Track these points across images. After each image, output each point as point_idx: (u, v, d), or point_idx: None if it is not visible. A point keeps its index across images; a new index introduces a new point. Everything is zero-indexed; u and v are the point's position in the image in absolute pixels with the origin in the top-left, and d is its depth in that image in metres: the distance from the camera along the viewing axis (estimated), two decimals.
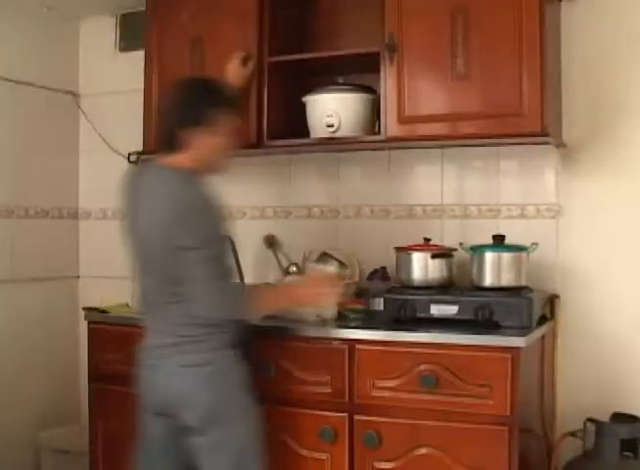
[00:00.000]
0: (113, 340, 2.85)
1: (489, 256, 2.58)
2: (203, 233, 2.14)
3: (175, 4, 3.07)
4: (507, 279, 2.56)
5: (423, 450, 2.34)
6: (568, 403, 2.74)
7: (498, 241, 2.63)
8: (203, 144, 2.27)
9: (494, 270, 2.57)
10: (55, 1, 3.47)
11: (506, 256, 2.57)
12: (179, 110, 2.28)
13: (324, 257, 2.89)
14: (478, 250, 2.62)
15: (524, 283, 2.60)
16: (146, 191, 2.27)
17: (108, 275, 3.64)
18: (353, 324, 2.57)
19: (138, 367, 2.35)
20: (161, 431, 2.32)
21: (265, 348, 2.53)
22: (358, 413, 2.43)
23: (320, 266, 2.76)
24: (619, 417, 2.54)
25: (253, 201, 3.31)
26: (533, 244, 2.61)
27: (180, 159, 2.25)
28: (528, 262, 2.61)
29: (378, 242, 3.04)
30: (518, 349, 2.26)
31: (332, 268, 2.77)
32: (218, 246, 2.20)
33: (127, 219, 2.33)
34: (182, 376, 2.21)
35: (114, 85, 3.61)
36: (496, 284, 2.56)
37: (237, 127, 2.38)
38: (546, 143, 2.71)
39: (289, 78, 3.03)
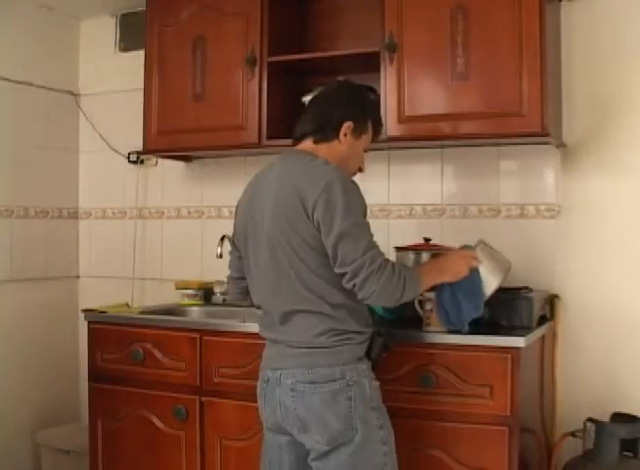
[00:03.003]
0: (113, 340, 2.85)
1: None
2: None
3: (175, 4, 3.08)
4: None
5: (423, 450, 2.35)
6: (568, 403, 2.74)
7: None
8: (349, 143, 2.15)
9: None
10: (55, 1, 3.48)
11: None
12: (340, 104, 2.16)
13: None
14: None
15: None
16: None
17: (108, 275, 3.65)
18: None
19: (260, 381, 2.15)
20: (285, 449, 2.12)
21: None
22: None
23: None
24: (619, 417, 2.54)
25: None
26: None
27: (321, 150, 2.13)
28: (523, 263, 2.61)
29: (378, 242, 3.03)
30: (518, 349, 2.26)
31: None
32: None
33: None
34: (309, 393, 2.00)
35: (114, 85, 3.61)
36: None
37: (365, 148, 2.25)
38: (546, 143, 2.71)
39: (289, 78, 3.03)
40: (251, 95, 2.92)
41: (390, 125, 2.68)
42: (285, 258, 2.02)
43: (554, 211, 2.83)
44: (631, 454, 2.46)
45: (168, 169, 3.52)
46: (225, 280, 2.38)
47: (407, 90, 2.66)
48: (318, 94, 2.27)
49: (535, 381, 2.72)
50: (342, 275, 1.97)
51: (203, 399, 2.66)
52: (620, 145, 2.74)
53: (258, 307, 2.18)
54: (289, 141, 2.89)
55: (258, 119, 2.91)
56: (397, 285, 1.98)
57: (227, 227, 3.25)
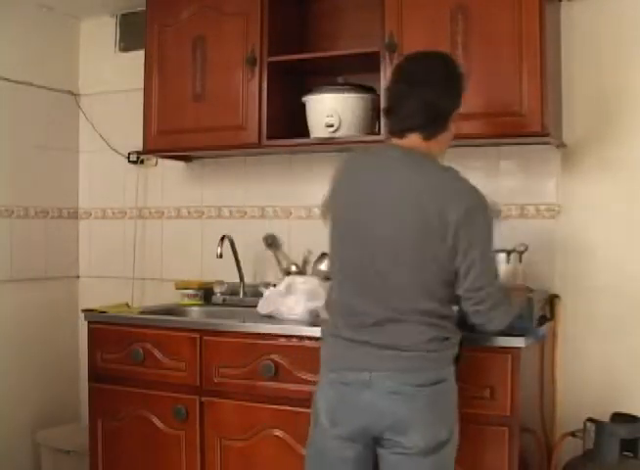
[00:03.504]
0: (113, 340, 2.85)
1: None
2: None
3: (175, 4, 3.08)
4: (502, 278, 2.56)
5: None
6: (568, 403, 2.74)
7: None
8: (451, 132, 2.09)
9: None
10: (55, 1, 3.48)
11: (500, 255, 2.56)
12: (449, 88, 2.04)
13: (324, 256, 2.88)
14: None
15: (520, 282, 2.60)
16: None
17: (108, 275, 3.65)
18: None
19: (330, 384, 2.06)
20: (349, 464, 2.03)
21: (266, 347, 2.52)
22: None
23: None
24: (619, 417, 2.54)
25: (253, 201, 3.31)
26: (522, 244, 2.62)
27: (432, 147, 2.04)
28: (523, 262, 2.61)
29: None
30: (518, 349, 2.26)
31: None
32: None
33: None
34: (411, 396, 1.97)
35: (114, 85, 3.61)
36: None
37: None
38: (546, 143, 2.71)
39: (289, 78, 3.03)
40: (251, 95, 2.92)
41: None
42: (407, 266, 1.95)
43: (554, 211, 2.83)
44: (631, 454, 2.46)
45: (168, 169, 3.52)
46: (224, 281, 2.37)
47: None
48: (415, 74, 2.02)
49: (535, 381, 2.72)
50: (466, 298, 1.99)
51: (203, 399, 2.66)
52: (621, 145, 2.74)
53: (341, 305, 2.06)
54: (288, 141, 2.92)
55: (258, 119, 2.91)
56: (509, 316, 2.08)
57: (227, 227, 3.27)
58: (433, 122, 2.01)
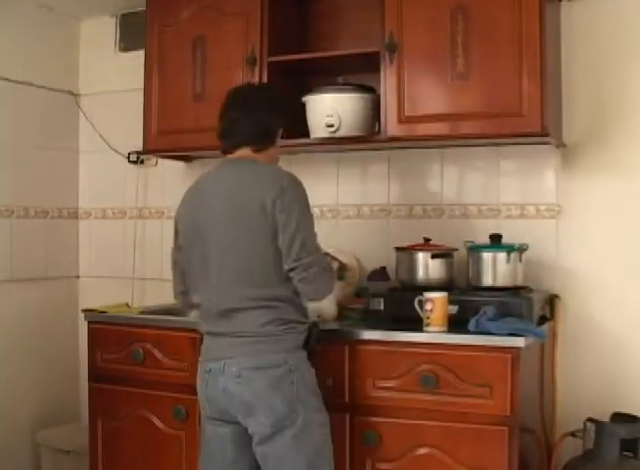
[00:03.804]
0: (113, 340, 2.85)
1: (485, 255, 2.59)
2: None
3: (175, 4, 3.08)
4: (502, 278, 2.57)
5: (423, 450, 2.35)
6: (568, 403, 2.74)
7: (495, 240, 2.63)
8: (277, 147, 2.39)
9: (490, 269, 2.58)
10: (55, 1, 3.48)
11: (500, 255, 2.57)
12: (275, 109, 2.35)
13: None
14: (473, 249, 2.63)
15: (520, 282, 2.60)
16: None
17: (108, 275, 3.65)
18: (353, 324, 2.57)
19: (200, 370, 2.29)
20: (227, 439, 2.25)
21: None
22: (358, 413, 2.43)
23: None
24: (619, 417, 2.54)
25: None
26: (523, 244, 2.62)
27: (259, 157, 2.31)
28: (523, 262, 2.61)
29: (377, 242, 3.04)
30: (518, 349, 2.26)
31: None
32: None
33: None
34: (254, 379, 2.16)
35: (114, 85, 3.61)
36: (490, 283, 2.57)
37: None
38: (546, 143, 2.71)
39: (289, 78, 3.03)
40: None
41: (390, 125, 2.68)
42: (238, 256, 2.19)
43: (554, 211, 2.83)
44: (631, 454, 2.46)
45: (168, 169, 3.52)
46: None
47: (407, 90, 2.66)
48: (247, 100, 2.35)
49: (535, 381, 2.72)
50: (292, 268, 2.16)
51: None
52: (621, 145, 2.74)
53: (197, 306, 2.33)
54: (288, 141, 2.91)
55: None
56: (332, 283, 2.32)
57: None
58: (263, 139, 2.32)
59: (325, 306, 2.59)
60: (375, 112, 2.81)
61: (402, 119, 2.67)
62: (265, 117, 2.31)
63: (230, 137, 2.31)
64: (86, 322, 2.95)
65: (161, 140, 3.13)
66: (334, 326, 2.55)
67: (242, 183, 2.23)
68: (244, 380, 2.15)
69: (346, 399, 2.44)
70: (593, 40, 2.77)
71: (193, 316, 2.51)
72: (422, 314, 2.40)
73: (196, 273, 2.31)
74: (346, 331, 2.48)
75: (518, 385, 2.25)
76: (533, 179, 2.87)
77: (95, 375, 2.90)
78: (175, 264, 2.45)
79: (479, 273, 2.60)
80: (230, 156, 2.32)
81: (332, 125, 2.78)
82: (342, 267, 2.79)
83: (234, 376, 2.16)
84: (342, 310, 2.69)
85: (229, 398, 2.18)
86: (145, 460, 2.78)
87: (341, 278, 2.82)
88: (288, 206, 2.15)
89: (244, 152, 2.29)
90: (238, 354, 2.17)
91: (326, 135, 2.82)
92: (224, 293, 2.21)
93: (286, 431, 2.13)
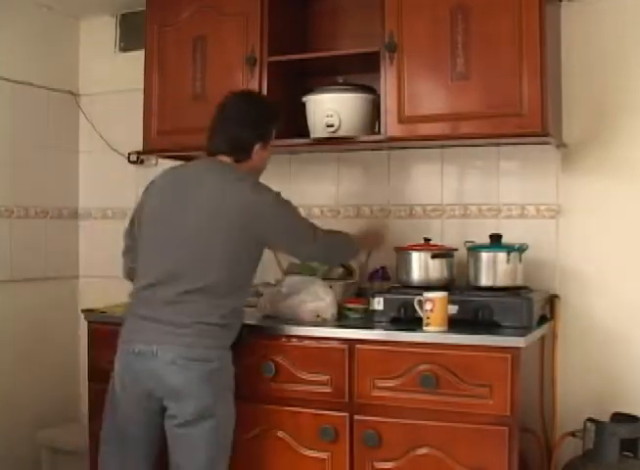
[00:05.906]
0: (113, 340, 2.84)
1: (485, 255, 2.59)
2: None
3: (175, 4, 3.08)
4: (502, 278, 2.57)
5: (423, 450, 2.35)
6: (568, 403, 2.74)
7: (495, 240, 2.63)
8: (260, 157, 2.47)
9: (490, 270, 2.58)
10: (55, 1, 3.48)
11: (500, 255, 2.57)
12: (251, 125, 2.44)
13: None
14: (473, 249, 2.63)
15: (520, 282, 2.60)
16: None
17: (108, 275, 3.64)
18: (353, 324, 2.57)
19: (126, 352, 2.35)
20: (141, 413, 2.35)
21: (266, 347, 2.53)
22: (358, 413, 2.43)
23: None
24: (619, 417, 2.54)
25: None
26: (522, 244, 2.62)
27: (240, 167, 2.42)
28: (523, 262, 2.61)
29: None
30: (518, 349, 2.26)
31: None
32: None
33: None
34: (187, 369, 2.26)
35: (114, 85, 3.61)
36: (490, 283, 2.57)
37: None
38: (546, 143, 2.71)
39: (289, 78, 3.03)
40: None
41: (390, 125, 2.68)
42: (199, 248, 2.29)
43: (554, 211, 2.83)
44: (631, 454, 2.47)
45: None
46: None
47: (407, 90, 2.66)
48: (226, 111, 2.46)
49: (535, 381, 2.72)
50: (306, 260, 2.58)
51: None
52: (621, 145, 2.74)
53: (144, 288, 2.36)
54: (288, 141, 2.92)
55: None
56: (346, 249, 2.68)
57: None
58: (237, 153, 2.42)
59: (325, 306, 2.59)
60: (375, 112, 2.81)
61: (402, 119, 2.67)
62: (238, 133, 2.41)
63: (210, 145, 2.46)
64: (86, 322, 2.94)
65: (161, 140, 3.12)
66: (334, 326, 2.54)
67: (216, 184, 2.34)
68: (178, 368, 2.23)
69: (346, 399, 2.44)
70: (593, 40, 2.77)
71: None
72: (422, 314, 2.40)
73: (150, 253, 2.39)
74: (346, 331, 2.48)
75: (518, 385, 2.25)
76: (533, 179, 2.87)
77: (95, 375, 2.89)
78: (128, 250, 2.56)
79: (478, 273, 2.60)
80: (211, 157, 2.46)
81: (332, 125, 2.79)
82: (346, 268, 2.81)
83: (168, 362, 2.24)
84: (342, 310, 2.69)
85: (157, 380, 2.26)
86: None
87: (341, 278, 2.83)
88: (266, 219, 2.32)
89: (224, 158, 2.43)
90: (175, 342, 2.25)
91: (326, 135, 2.82)
92: (175, 280, 2.29)
93: (207, 421, 2.25)
